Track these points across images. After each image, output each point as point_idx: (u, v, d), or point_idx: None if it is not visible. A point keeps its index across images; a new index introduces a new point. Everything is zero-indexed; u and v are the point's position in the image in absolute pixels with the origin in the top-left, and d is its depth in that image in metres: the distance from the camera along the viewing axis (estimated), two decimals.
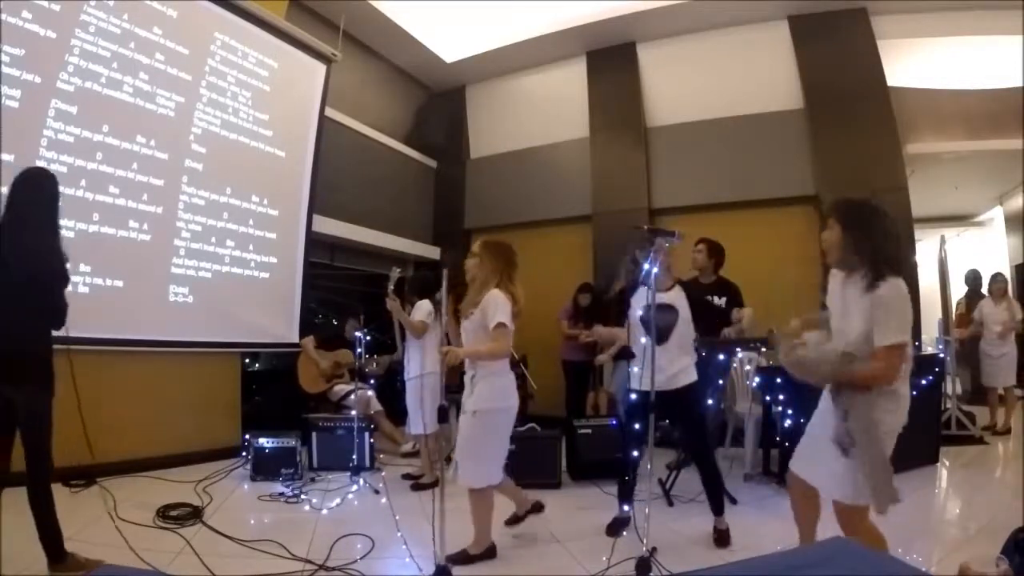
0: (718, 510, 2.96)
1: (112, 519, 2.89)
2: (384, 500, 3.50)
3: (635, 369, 2.88)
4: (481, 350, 2.60)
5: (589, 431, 4.16)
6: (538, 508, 3.01)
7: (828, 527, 2.20)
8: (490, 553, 2.73)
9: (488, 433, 2.66)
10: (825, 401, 2.23)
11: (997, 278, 5.67)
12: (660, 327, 2.88)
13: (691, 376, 2.99)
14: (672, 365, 2.87)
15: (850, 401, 1.97)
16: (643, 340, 2.94)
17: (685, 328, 2.97)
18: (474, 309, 2.67)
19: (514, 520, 2.98)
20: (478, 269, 2.73)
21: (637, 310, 2.99)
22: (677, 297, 2.98)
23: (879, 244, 1.98)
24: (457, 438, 2.71)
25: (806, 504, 2.32)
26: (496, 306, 2.59)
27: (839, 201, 2.16)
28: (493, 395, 2.66)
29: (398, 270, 4.01)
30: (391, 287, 3.92)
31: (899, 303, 1.92)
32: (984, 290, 5.98)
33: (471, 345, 2.68)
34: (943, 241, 5.97)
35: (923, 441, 4.23)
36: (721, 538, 2.89)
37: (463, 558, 2.66)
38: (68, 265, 2.52)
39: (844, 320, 2.06)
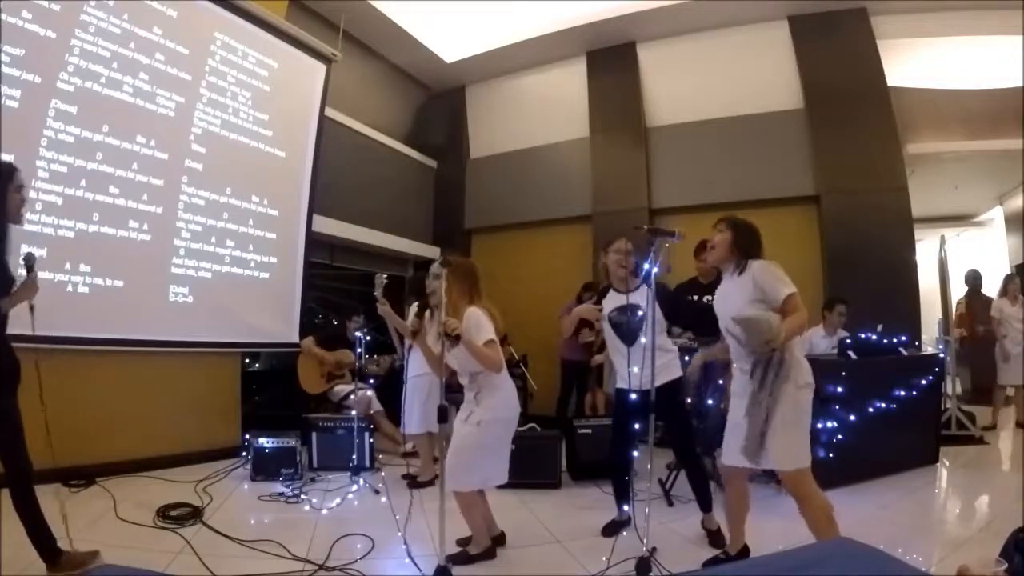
0: (706, 507, 2.96)
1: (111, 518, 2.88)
2: (384, 500, 3.50)
3: (635, 369, 2.87)
4: (481, 348, 2.51)
5: (589, 431, 4.16)
6: (498, 542, 2.85)
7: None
8: (490, 553, 2.73)
9: (488, 442, 2.64)
10: (740, 388, 2.46)
11: (1013, 279, 5.67)
12: (629, 329, 2.92)
13: (672, 372, 2.98)
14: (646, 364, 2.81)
15: (767, 373, 2.30)
16: (616, 343, 3.01)
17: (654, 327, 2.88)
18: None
19: (465, 542, 2.82)
20: (447, 294, 2.56)
21: (608, 312, 3.05)
22: (642, 297, 2.92)
23: (749, 244, 2.49)
24: (451, 444, 2.64)
25: (741, 500, 2.57)
26: (479, 325, 2.55)
27: (729, 216, 2.62)
28: (499, 406, 2.65)
29: (384, 276, 3.98)
30: (377, 293, 3.90)
31: (771, 268, 2.39)
32: (984, 290, 6.00)
33: (464, 363, 2.61)
34: (943, 241, 5.97)
35: (923, 441, 4.24)
36: (713, 539, 2.88)
37: (463, 558, 2.66)
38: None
39: (728, 305, 2.45)
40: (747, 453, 2.33)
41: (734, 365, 2.55)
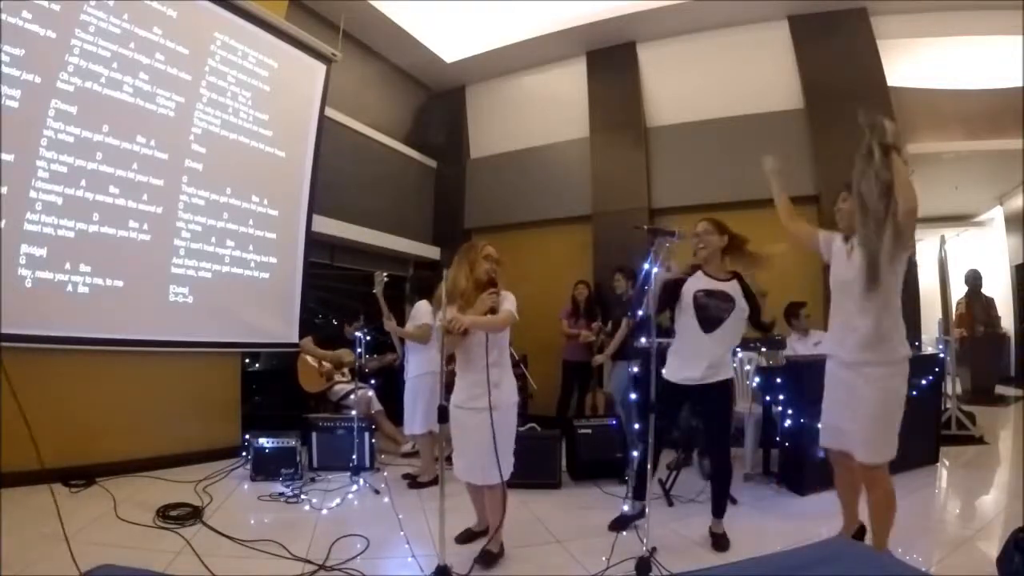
0: (719, 512, 2.92)
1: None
2: (386, 500, 3.51)
3: (692, 373, 2.85)
4: (493, 317, 2.57)
5: (589, 431, 4.16)
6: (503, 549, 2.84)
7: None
8: (502, 550, 2.73)
9: (512, 428, 2.70)
10: (834, 376, 2.43)
11: None
12: (713, 316, 2.86)
13: (729, 372, 2.92)
14: (714, 357, 2.83)
15: None
16: (692, 326, 2.89)
17: (736, 323, 2.87)
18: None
19: (468, 537, 2.91)
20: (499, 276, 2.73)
21: (692, 291, 2.93)
22: (734, 289, 2.90)
23: None
24: (486, 436, 2.55)
25: (852, 476, 2.47)
26: (512, 300, 2.66)
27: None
28: (511, 392, 2.70)
29: (384, 275, 4.03)
30: (377, 290, 4.00)
31: None
32: (984, 290, 5.99)
33: (493, 338, 2.63)
34: (943, 241, 5.97)
35: (923, 441, 4.23)
36: (718, 542, 2.86)
37: (489, 558, 2.63)
38: None
39: (851, 264, 2.43)
40: None
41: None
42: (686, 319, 2.93)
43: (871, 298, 2.31)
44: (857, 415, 2.32)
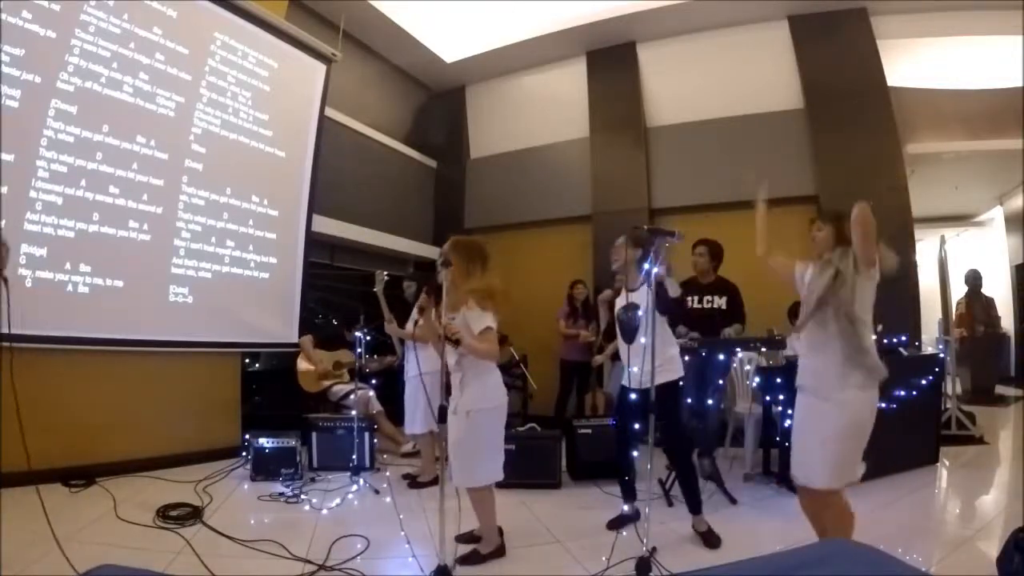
0: (694, 509, 2.94)
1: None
2: (388, 500, 3.51)
3: (635, 369, 2.90)
4: (477, 346, 2.54)
5: (589, 431, 4.16)
6: (499, 551, 2.76)
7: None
8: (500, 552, 2.73)
9: (483, 432, 2.63)
10: (801, 402, 2.41)
11: None
12: (628, 328, 2.96)
13: (666, 375, 2.92)
14: (641, 363, 2.82)
15: None
16: (620, 340, 3.09)
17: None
18: (454, 314, 2.61)
19: (465, 538, 2.87)
20: (450, 274, 2.65)
21: (617, 309, 3.12)
22: (642, 295, 2.92)
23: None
24: (450, 440, 2.63)
25: (816, 506, 2.38)
26: (479, 314, 2.56)
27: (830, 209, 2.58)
28: (485, 395, 2.64)
29: (385, 274, 4.09)
30: (378, 288, 4.06)
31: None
32: (984, 290, 5.99)
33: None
34: (943, 241, 5.97)
35: (923, 441, 4.24)
36: (706, 540, 2.86)
37: (475, 558, 2.65)
38: None
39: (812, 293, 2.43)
40: None
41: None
42: (619, 335, 3.12)
43: (838, 328, 2.26)
44: (821, 438, 2.24)
